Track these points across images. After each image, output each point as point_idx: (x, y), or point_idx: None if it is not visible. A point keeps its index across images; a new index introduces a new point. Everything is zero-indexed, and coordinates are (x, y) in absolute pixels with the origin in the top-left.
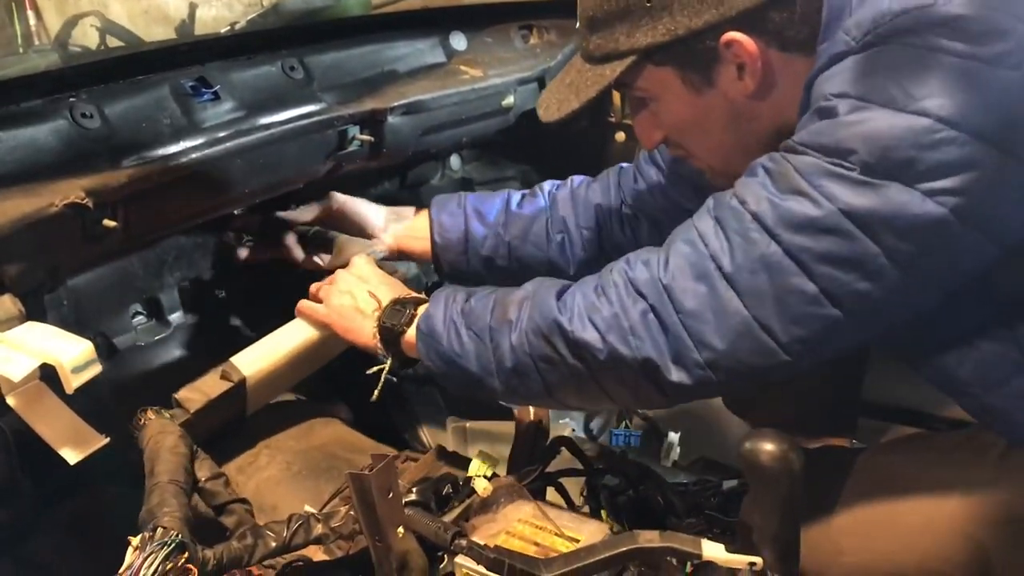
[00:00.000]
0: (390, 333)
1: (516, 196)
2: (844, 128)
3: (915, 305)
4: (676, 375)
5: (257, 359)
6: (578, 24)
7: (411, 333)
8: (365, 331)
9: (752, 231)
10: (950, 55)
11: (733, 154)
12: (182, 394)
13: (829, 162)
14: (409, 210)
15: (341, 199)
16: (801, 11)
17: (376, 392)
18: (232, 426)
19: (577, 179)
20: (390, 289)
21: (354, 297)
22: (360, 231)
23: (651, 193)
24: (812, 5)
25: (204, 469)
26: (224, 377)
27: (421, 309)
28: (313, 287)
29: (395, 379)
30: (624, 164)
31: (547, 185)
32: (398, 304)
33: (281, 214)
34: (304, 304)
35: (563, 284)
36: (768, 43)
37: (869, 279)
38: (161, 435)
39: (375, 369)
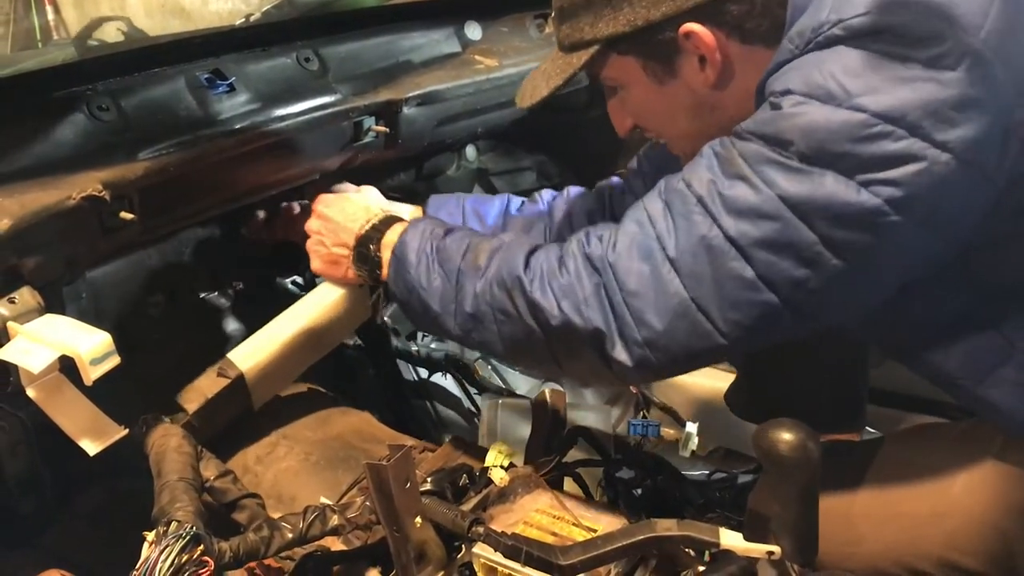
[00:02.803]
0: (367, 276)
1: (516, 201)
2: (785, 120)
3: (862, 296)
4: (619, 352)
5: (253, 352)
6: (552, 14)
7: (387, 260)
8: (349, 274)
9: (695, 214)
10: (887, 58)
11: (699, 142)
12: (181, 396)
13: (770, 150)
14: (405, 210)
15: (344, 188)
16: (761, 3)
17: (377, 316)
18: (241, 421)
19: (573, 190)
20: (354, 221)
21: (325, 245)
22: None
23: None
24: None
25: (210, 468)
26: (221, 374)
27: (391, 235)
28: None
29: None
30: (620, 172)
31: (546, 194)
32: (360, 246)
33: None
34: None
35: (535, 244)
36: (728, 35)
37: (806, 266)
38: (164, 438)
39: (375, 296)
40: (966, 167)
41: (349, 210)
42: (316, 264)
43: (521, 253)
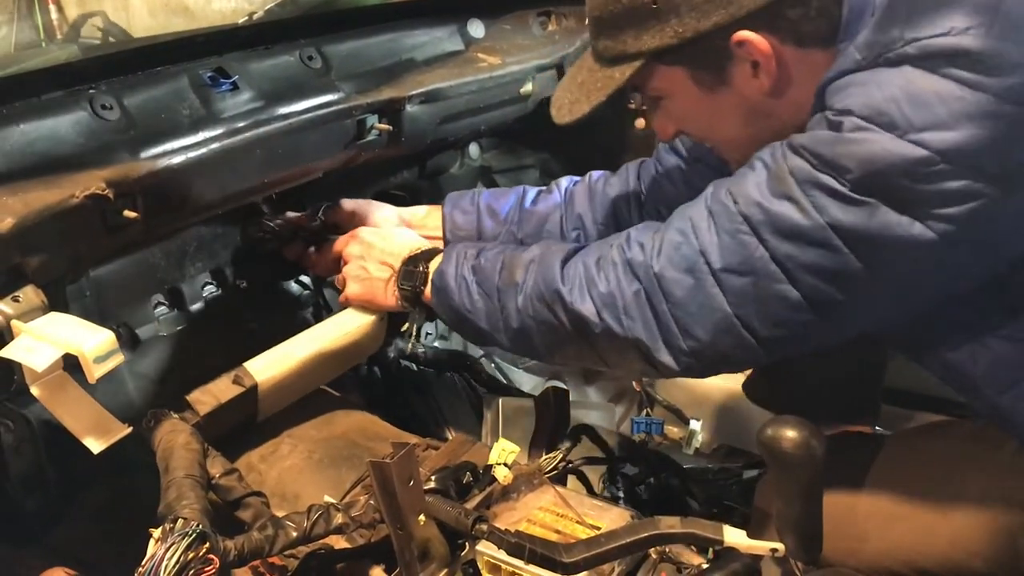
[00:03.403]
0: (410, 293)
1: (531, 192)
2: (843, 144)
3: (902, 313)
4: (664, 357)
5: (270, 365)
6: (586, 21)
7: (429, 290)
8: (387, 298)
9: (742, 232)
10: (957, 84)
11: (750, 148)
12: (193, 396)
13: (823, 172)
14: (420, 209)
15: (350, 204)
16: (817, 4)
17: (409, 347)
18: (241, 430)
19: (595, 174)
20: (400, 247)
21: (367, 269)
22: None
23: (672, 182)
24: None
25: (216, 466)
26: (236, 382)
27: (433, 264)
28: (337, 276)
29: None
30: (644, 158)
31: (564, 181)
32: (409, 264)
33: (292, 215)
34: (340, 297)
35: (568, 250)
36: (783, 40)
37: (851, 291)
38: (172, 434)
39: (407, 326)
40: (1019, 198)
41: (395, 237)
42: (354, 289)
43: (556, 263)
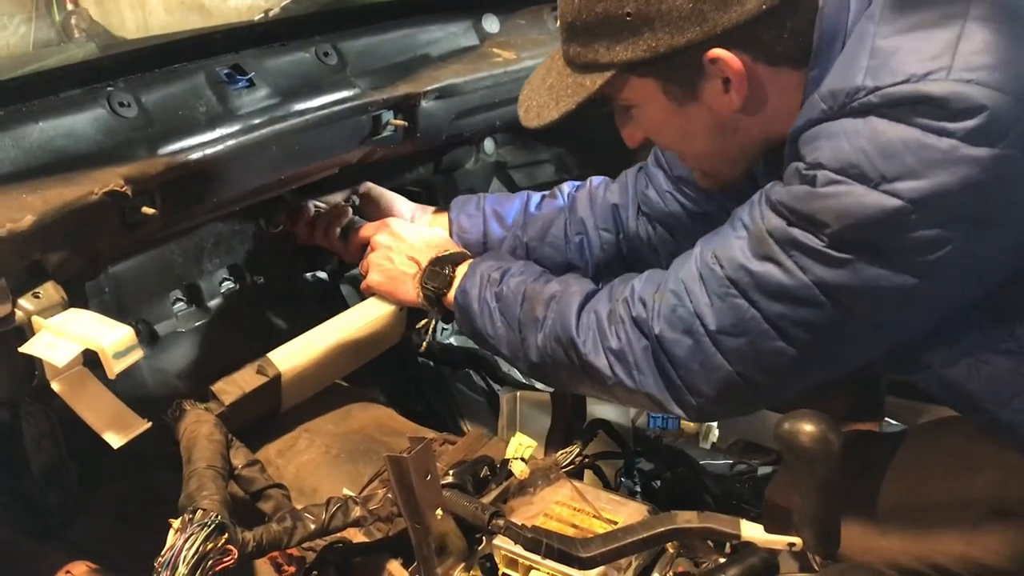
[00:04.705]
0: (432, 294)
1: (535, 197)
2: (819, 200)
3: (898, 344)
4: (675, 409)
5: (293, 355)
6: (557, 23)
7: (451, 295)
8: (409, 293)
9: (731, 296)
10: (922, 132)
11: (717, 162)
12: (218, 386)
13: (801, 229)
14: (428, 211)
15: (370, 186)
16: (791, 26)
17: (423, 344)
18: (265, 420)
19: (596, 180)
20: (427, 246)
21: (393, 260)
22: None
23: (660, 196)
24: (804, 18)
25: (239, 457)
26: (260, 372)
27: (460, 269)
28: (362, 263)
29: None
30: (642, 164)
31: (567, 187)
32: (436, 264)
33: (312, 202)
34: (363, 284)
35: (587, 293)
36: (755, 58)
37: (845, 340)
38: (197, 424)
39: (423, 323)
40: (1006, 235)
41: (426, 234)
42: (376, 278)
43: (573, 307)
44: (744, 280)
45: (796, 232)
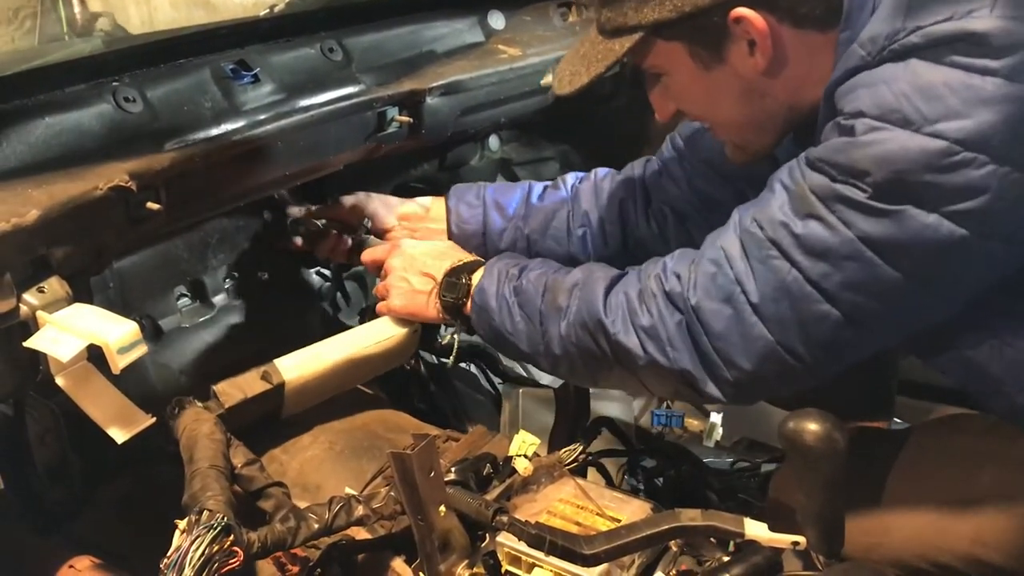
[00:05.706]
0: (451, 305)
1: (538, 188)
2: (859, 148)
3: (939, 314)
4: (710, 388)
5: (299, 365)
6: None
7: (470, 305)
8: (429, 310)
9: (772, 258)
10: (965, 72)
11: (746, 130)
12: (221, 387)
13: (843, 182)
14: (425, 200)
15: (349, 200)
16: None
17: (452, 358)
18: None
19: (601, 171)
20: (441, 259)
21: (409, 281)
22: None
23: (676, 184)
24: None
25: (239, 456)
26: (264, 378)
27: (476, 276)
28: (378, 287)
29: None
30: (649, 157)
31: (570, 178)
32: (451, 275)
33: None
34: (380, 306)
35: (611, 277)
36: (780, 19)
37: (890, 302)
38: (196, 423)
39: (448, 337)
40: None
41: (438, 248)
42: (397, 302)
43: (599, 291)
44: (786, 240)
45: (839, 187)
